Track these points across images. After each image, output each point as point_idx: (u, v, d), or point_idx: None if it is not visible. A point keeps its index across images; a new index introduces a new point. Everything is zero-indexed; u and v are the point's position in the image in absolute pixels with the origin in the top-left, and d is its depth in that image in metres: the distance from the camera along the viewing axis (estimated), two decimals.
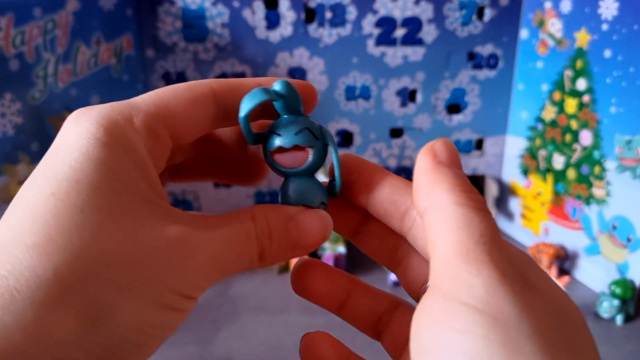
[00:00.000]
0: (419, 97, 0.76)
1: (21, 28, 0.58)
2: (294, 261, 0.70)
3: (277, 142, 0.23)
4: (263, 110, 0.25)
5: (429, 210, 0.20)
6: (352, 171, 0.25)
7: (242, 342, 0.59)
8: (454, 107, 0.78)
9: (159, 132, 0.21)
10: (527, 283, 0.18)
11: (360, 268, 0.71)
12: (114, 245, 0.18)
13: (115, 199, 0.19)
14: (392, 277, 0.69)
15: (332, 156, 0.24)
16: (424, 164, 0.21)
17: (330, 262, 0.69)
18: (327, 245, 0.72)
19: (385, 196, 0.24)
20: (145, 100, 0.21)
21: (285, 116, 0.24)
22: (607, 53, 0.62)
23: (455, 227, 0.19)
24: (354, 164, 0.25)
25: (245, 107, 0.22)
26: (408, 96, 0.76)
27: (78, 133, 0.19)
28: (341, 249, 0.71)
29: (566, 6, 0.66)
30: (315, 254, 0.71)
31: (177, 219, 0.20)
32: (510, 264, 0.18)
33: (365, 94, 0.76)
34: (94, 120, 0.20)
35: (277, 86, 0.23)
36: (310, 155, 0.24)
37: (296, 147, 0.23)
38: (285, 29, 0.72)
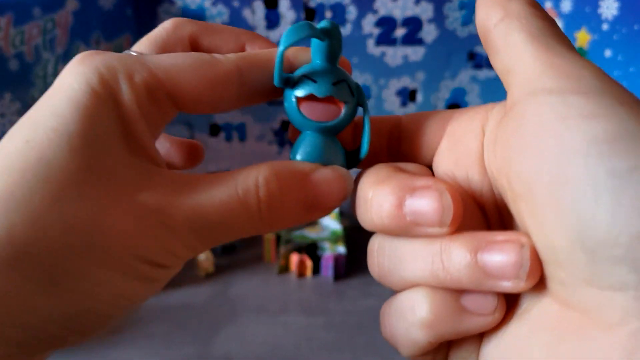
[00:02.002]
0: (419, 97, 0.76)
1: (21, 28, 0.58)
2: (294, 262, 0.70)
3: (310, 89, 0.20)
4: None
5: (506, 21, 0.18)
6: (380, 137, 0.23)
7: (241, 343, 0.59)
8: (454, 107, 0.77)
9: (159, 97, 0.19)
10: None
11: (360, 268, 0.71)
12: (76, 211, 0.17)
13: (87, 155, 0.17)
14: None
15: (364, 119, 0.22)
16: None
17: (330, 262, 0.69)
18: (327, 245, 0.72)
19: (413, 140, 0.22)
20: (160, 62, 0.20)
21: (321, 62, 0.21)
22: (608, 53, 0.62)
23: (538, 34, 0.17)
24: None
25: (286, 39, 0.20)
26: (408, 96, 0.76)
27: (75, 75, 0.18)
28: (341, 249, 0.70)
29: (566, 6, 0.66)
30: (315, 255, 0.71)
31: (158, 182, 0.18)
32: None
33: (365, 93, 0.76)
34: (95, 66, 0.19)
35: (326, 24, 0.21)
36: (342, 112, 0.21)
37: (329, 100, 0.21)
38: (285, 28, 0.72)
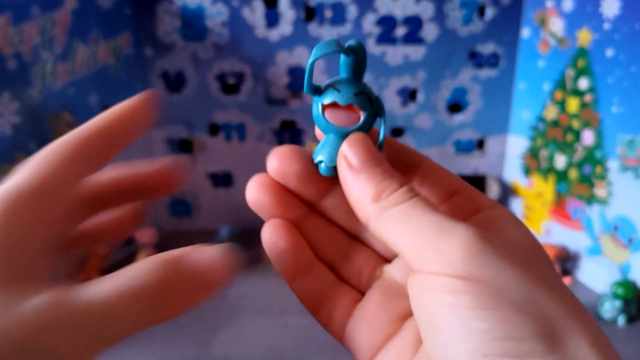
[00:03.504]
0: (420, 96, 0.76)
1: (19, 27, 0.58)
2: None
3: (334, 97, 0.24)
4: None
5: (370, 224, 0.22)
6: (392, 147, 0.25)
7: (240, 344, 0.59)
8: (455, 107, 0.77)
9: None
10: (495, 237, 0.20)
11: None
12: None
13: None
14: None
15: (380, 128, 0.24)
16: (342, 175, 0.22)
17: None
18: None
19: (430, 180, 0.25)
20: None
21: (346, 76, 0.24)
22: (609, 52, 0.61)
23: (401, 231, 0.21)
24: (396, 143, 0.26)
25: (316, 52, 0.23)
26: (409, 95, 0.76)
27: None
28: None
29: (568, 5, 0.65)
30: None
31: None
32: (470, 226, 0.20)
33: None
34: None
35: (352, 42, 0.23)
36: (361, 119, 0.24)
37: (350, 107, 0.24)
38: (285, 27, 0.72)
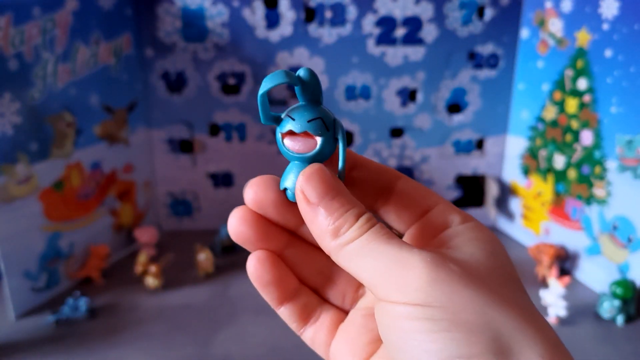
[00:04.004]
0: (420, 96, 0.76)
1: (20, 27, 0.58)
2: None
3: (289, 125, 0.24)
4: None
5: (333, 258, 0.23)
6: (356, 167, 0.26)
7: (241, 344, 0.59)
8: (454, 107, 0.77)
9: None
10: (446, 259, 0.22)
11: None
12: None
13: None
14: None
15: (339, 150, 0.25)
16: (301, 211, 0.23)
17: None
18: None
19: (397, 203, 0.26)
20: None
21: (303, 103, 0.25)
22: (608, 52, 0.61)
23: (362, 264, 0.22)
24: (369, 163, 0.26)
25: (264, 85, 0.23)
26: (408, 96, 0.76)
27: None
28: None
29: (567, 6, 0.65)
30: None
31: None
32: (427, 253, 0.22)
33: (365, 93, 0.76)
34: None
35: (301, 72, 0.24)
36: (318, 145, 0.24)
37: (306, 134, 0.24)
38: (285, 28, 0.72)
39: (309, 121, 0.24)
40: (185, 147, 0.79)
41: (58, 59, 0.63)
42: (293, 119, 0.24)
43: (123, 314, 0.64)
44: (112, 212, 0.75)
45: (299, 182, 0.23)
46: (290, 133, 0.24)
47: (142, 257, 0.68)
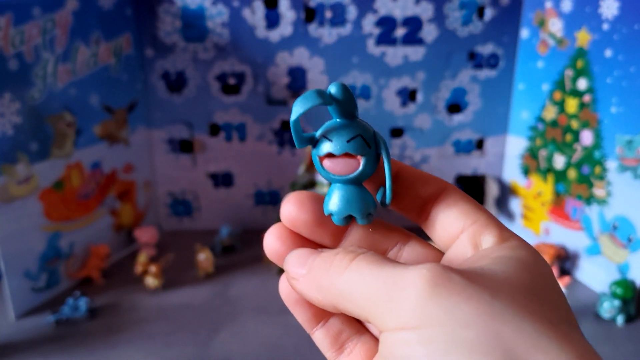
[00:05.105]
0: (420, 96, 0.76)
1: (20, 28, 0.58)
2: None
3: (328, 147, 0.22)
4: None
5: (334, 302, 0.22)
6: (398, 178, 0.24)
7: (241, 343, 0.59)
8: (454, 107, 0.77)
9: None
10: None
11: None
12: None
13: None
14: None
15: (385, 166, 0.23)
16: (301, 292, 0.23)
17: None
18: None
19: (436, 220, 0.24)
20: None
21: (338, 120, 0.23)
22: (608, 53, 0.61)
23: (358, 292, 0.20)
24: (411, 172, 0.24)
25: (296, 110, 0.21)
26: (408, 96, 0.76)
27: None
28: None
29: (567, 6, 0.65)
30: None
31: None
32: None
33: (365, 93, 0.76)
34: None
35: (332, 89, 0.22)
36: (361, 164, 0.23)
37: (347, 155, 0.22)
38: (285, 28, 0.72)
39: (348, 141, 0.22)
40: (185, 147, 0.79)
41: (58, 59, 0.63)
42: (330, 140, 0.22)
43: (123, 314, 0.64)
44: (112, 212, 0.75)
45: (287, 271, 0.23)
46: (330, 155, 0.23)
47: (142, 257, 0.68)
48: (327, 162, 0.23)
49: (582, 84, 0.65)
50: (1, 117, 0.58)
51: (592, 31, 0.63)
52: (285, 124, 0.77)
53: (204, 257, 0.70)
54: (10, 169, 0.59)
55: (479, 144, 0.79)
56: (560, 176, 0.70)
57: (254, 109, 0.77)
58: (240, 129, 0.78)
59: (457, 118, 0.78)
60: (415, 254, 0.25)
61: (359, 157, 0.22)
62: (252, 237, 0.77)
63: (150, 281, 0.67)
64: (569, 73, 0.67)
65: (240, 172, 0.80)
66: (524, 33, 0.72)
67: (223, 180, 0.81)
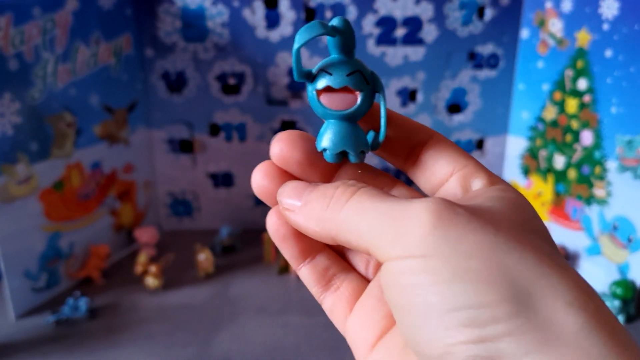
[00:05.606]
0: (420, 96, 0.76)
1: (20, 27, 0.58)
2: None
3: (327, 81, 0.22)
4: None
5: (333, 233, 0.22)
6: (398, 126, 0.25)
7: (241, 343, 0.59)
8: (454, 107, 0.77)
9: None
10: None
11: None
12: None
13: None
14: None
15: (380, 105, 0.23)
16: (295, 223, 0.23)
17: None
18: None
19: (425, 164, 0.24)
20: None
21: (337, 56, 0.23)
22: (608, 53, 0.61)
23: (361, 224, 0.21)
24: (401, 119, 0.25)
25: (300, 39, 0.22)
26: (408, 96, 0.76)
27: None
28: None
29: (567, 6, 0.65)
30: None
31: None
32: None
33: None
34: None
35: (335, 21, 0.22)
36: (358, 100, 0.23)
37: (345, 89, 0.23)
38: (285, 28, 0.72)
39: (348, 75, 0.22)
40: (185, 147, 0.79)
41: (58, 59, 0.63)
42: (330, 74, 0.22)
43: (123, 314, 0.64)
44: (112, 212, 0.75)
45: (281, 203, 0.23)
46: (327, 89, 0.23)
47: (142, 257, 0.68)
48: (324, 97, 0.23)
49: (582, 84, 0.65)
50: (1, 117, 0.58)
51: (592, 31, 0.63)
52: (286, 124, 0.77)
53: (204, 257, 0.70)
54: (10, 169, 0.59)
55: (479, 144, 0.79)
56: (561, 176, 0.70)
57: (254, 109, 0.77)
58: (240, 129, 0.78)
59: (457, 118, 0.78)
60: (403, 197, 0.25)
61: (356, 92, 0.23)
62: (252, 237, 0.77)
63: (150, 281, 0.67)
64: (569, 73, 0.67)
65: (240, 172, 0.80)
66: (524, 33, 0.72)
67: (223, 180, 0.81)
